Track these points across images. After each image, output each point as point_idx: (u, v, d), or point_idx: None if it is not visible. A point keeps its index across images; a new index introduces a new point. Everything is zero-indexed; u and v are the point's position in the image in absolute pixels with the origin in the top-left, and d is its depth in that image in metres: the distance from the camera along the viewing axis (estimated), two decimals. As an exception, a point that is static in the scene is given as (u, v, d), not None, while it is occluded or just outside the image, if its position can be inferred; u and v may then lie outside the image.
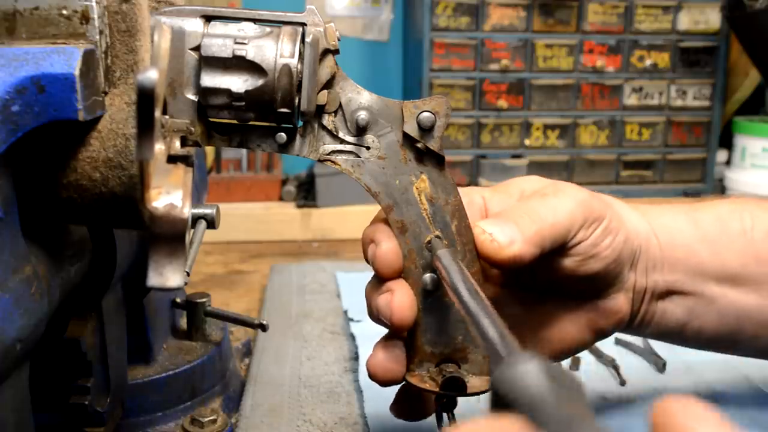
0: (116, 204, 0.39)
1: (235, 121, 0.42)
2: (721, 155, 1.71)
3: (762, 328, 0.50)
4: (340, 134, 0.43)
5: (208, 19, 0.40)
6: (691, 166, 1.66)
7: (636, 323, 0.51)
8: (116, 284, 0.50)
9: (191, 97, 0.40)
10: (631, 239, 0.48)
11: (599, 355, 0.71)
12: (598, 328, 0.49)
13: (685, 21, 1.59)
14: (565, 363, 0.68)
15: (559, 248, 0.45)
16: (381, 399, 0.61)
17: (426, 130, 0.43)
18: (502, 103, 1.55)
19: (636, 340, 0.74)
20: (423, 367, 0.45)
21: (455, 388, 0.43)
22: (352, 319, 0.82)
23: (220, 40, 0.39)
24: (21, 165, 0.38)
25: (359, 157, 0.43)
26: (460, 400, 0.45)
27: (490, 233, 0.42)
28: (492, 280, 0.50)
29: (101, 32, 0.38)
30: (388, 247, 0.43)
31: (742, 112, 1.75)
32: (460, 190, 0.45)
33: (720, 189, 1.70)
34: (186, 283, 0.49)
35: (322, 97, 0.42)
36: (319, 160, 0.43)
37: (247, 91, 0.40)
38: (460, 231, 0.44)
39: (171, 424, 0.58)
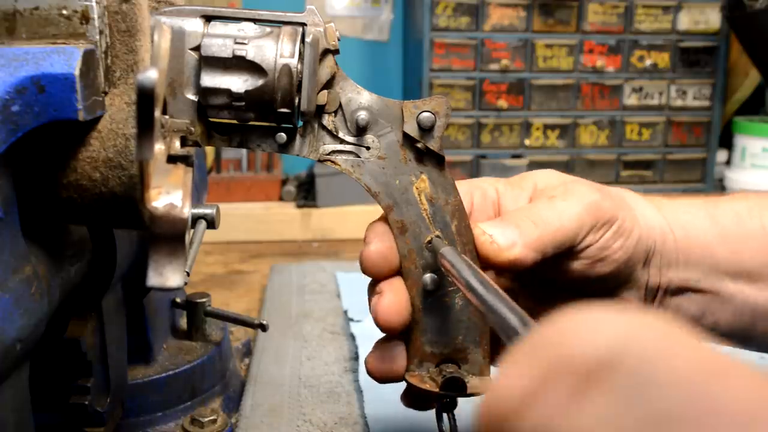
0: (116, 204, 0.39)
1: (235, 121, 0.42)
2: (721, 155, 1.71)
3: None
4: (340, 134, 0.43)
5: (208, 19, 0.40)
6: (691, 166, 1.66)
7: None
8: (116, 284, 0.50)
9: (191, 97, 0.40)
10: (645, 238, 0.47)
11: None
12: None
13: (685, 21, 1.59)
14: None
15: (567, 251, 0.45)
16: (381, 399, 0.61)
17: (426, 130, 0.43)
18: (502, 103, 1.55)
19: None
20: (423, 367, 0.45)
21: (455, 388, 0.43)
22: (352, 319, 0.82)
23: (220, 40, 0.39)
24: (21, 165, 0.38)
25: (359, 157, 0.43)
26: (461, 400, 0.45)
27: (491, 235, 0.42)
28: (504, 273, 0.50)
29: (101, 32, 0.38)
30: (375, 248, 0.43)
31: (742, 112, 1.75)
32: (473, 179, 0.45)
33: (720, 189, 1.70)
34: (186, 283, 0.49)
35: (322, 97, 0.42)
36: (319, 160, 0.43)
37: (247, 91, 0.40)
38: (460, 231, 0.44)
39: (171, 424, 0.58)
